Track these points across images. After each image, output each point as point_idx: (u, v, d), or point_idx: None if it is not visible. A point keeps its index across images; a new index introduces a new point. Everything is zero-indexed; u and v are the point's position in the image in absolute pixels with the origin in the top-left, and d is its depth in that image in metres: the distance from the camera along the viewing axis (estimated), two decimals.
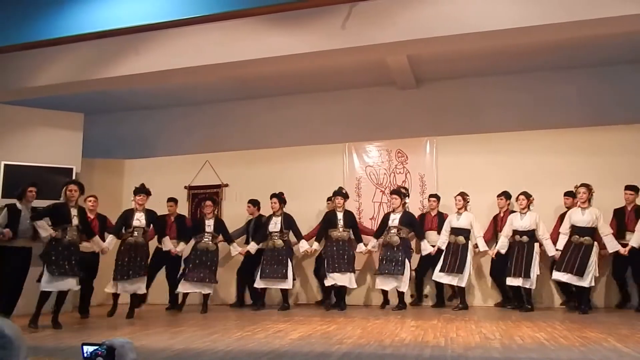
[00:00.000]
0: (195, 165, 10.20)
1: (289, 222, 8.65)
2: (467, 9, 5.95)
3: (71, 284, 6.90)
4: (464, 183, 8.64)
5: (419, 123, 9.75)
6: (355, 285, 8.58)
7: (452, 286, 8.49)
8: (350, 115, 10.17)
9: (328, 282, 8.40)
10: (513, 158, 8.87)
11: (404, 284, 8.18)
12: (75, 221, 6.99)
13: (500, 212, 8.51)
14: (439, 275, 8.22)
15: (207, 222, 8.67)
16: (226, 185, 10.07)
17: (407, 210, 8.65)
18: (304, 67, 8.85)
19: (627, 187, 7.94)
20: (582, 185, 7.65)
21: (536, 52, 8.58)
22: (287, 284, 8.42)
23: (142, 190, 7.99)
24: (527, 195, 7.96)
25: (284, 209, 8.75)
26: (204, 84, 9.90)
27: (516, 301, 8.07)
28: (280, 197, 8.69)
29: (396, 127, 9.81)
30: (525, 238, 7.86)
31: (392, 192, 8.61)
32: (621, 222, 7.91)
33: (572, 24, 5.72)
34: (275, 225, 8.61)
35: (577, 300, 7.78)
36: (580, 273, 7.42)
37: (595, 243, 7.56)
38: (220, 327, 6.66)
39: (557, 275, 7.63)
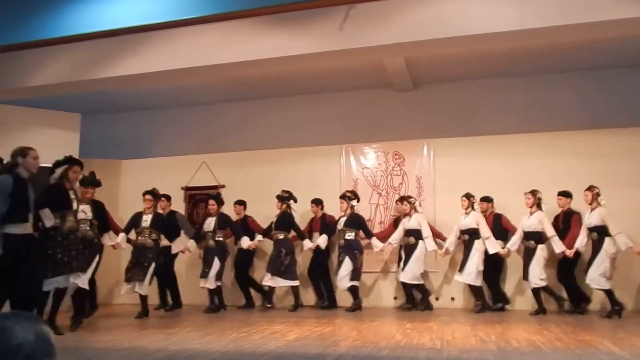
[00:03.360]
0: (192, 166, 10.18)
1: (224, 222, 8.68)
2: (465, 12, 5.96)
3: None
4: (461, 185, 8.65)
5: (416, 125, 9.75)
6: (281, 285, 8.69)
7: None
8: (348, 117, 10.17)
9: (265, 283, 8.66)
10: (510, 161, 8.88)
11: (342, 283, 8.50)
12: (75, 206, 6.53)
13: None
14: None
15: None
16: (223, 186, 10.05)
17: (355, 212, 8.84)
18: (301, 69, 8.84)
19: (560, 193, 8.14)
20: (531, 192, 8.07)
21: (534, 55, 8.58)
22: (209, 284, 8.38)
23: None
24: (468, 196, 8.40)
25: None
26: (201, 84, 9.89)
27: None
28: (218, 198, 8.76)
29: (393, 129, 9.81)
30: (465, 236, 8.32)
31: (340, 197, 8.81)
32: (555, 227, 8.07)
33: (570, 27, 5.73)
34: (209, 225, 8.60)
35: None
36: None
37: (541, 246, 7.95)
38: (215, 328, 6.64)
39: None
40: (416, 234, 8.54)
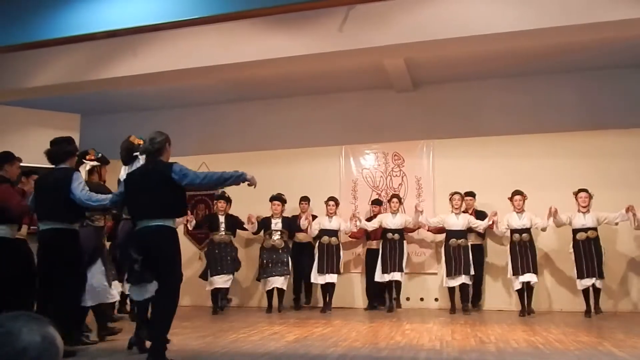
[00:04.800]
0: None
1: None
2: (465, 12, 5.96)
3: None
4: (461, 186, 8.65)
5: (416, 126, 9.74)
6: (228, 286, 8.75)
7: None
8: (347, 117, 10.14)
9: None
10: (510, 161, 8.89)
11: (285, 283, 8.71)
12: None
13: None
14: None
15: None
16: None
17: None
18: (301, 70, 8.83)
19: (466, 194, 8.70)
20: (456, 193, 8.47)
21: (535, 56, 8.56)
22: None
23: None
24: (399, 198, 8.92)
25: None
26: (201, 85, 9.88)
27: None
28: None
29: (393, 130, 9.80)
30: (397, 236, 8.61)
31: (273, 199, 8.93)
32: None
33: (571, 28, 5.72)
34: None
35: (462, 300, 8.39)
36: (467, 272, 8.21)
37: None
38: (215, 329, 6.65)
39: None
40: (337, 234, 8.90)
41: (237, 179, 4.74)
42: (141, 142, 5.11)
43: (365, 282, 9.13)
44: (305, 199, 9.17)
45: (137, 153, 5.27)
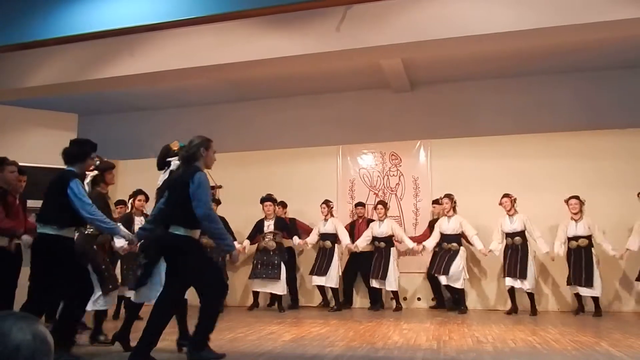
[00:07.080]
0: None
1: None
2: (463, 13, 5.97)
3: None
4: (458, 186, 8.67)
5: (413, 126, 9.75)
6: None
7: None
8: (345, 117, 10.16)
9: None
10: (507, 161, 8.90)
11: (282, 287, 8.50)
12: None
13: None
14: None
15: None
16: (220, 187, 9.99)
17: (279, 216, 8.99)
18: (298, 70, 8.84)
19: (435, 201, 8.84)
20: (446, 195, 8.38)
21: (532, 56, 8.58)
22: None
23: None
24: (384, 204, 8.83)
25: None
26: (198, 85, 9.88)
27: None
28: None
29: (390, 130, 9.81)
30: (383, 244, 8.59)
31: (264, 200, 8.78)
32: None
33: (567, 28, 5.73)
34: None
35: (454, 301, 8.41)
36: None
37: (463, 248, 8.32)
38: None
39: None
40: (332, 237, 8.80)
41: (224, 245, 4.65)
42: (177, 148, 5.06)
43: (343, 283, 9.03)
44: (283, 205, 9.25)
45: (170, 159, 5.20)
